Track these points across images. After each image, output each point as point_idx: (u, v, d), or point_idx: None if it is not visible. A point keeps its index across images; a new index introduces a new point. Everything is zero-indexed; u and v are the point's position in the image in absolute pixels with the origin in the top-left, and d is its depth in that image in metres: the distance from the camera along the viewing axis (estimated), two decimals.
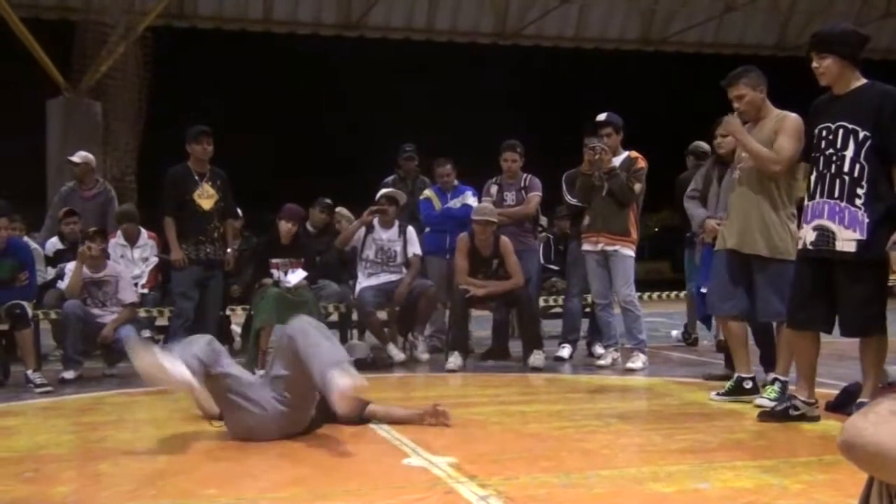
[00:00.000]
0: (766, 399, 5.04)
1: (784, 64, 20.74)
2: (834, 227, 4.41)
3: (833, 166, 4.44)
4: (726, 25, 19.70)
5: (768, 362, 5.68)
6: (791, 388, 4.96)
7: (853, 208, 4.37)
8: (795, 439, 4.37)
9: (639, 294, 7.46)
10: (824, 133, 4.51)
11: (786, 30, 19.93)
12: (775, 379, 5.17)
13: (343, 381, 3.87)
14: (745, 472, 3.57)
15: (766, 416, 4.69)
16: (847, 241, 4.38)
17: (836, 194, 4.42)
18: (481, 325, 9.04)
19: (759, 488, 3.34)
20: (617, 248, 7.06)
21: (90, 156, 9.06)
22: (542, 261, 9.03)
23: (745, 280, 5.28)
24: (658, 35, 19.58)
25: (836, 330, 4.61)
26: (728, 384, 5.48)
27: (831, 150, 4.46)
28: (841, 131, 4.44)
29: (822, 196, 4.48)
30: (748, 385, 5.38)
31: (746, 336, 5.51)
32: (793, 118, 5.09)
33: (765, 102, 5.21)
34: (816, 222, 4.49)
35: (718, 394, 5.45)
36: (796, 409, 4.64)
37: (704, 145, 9.09)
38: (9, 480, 3.62)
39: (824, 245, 4.45)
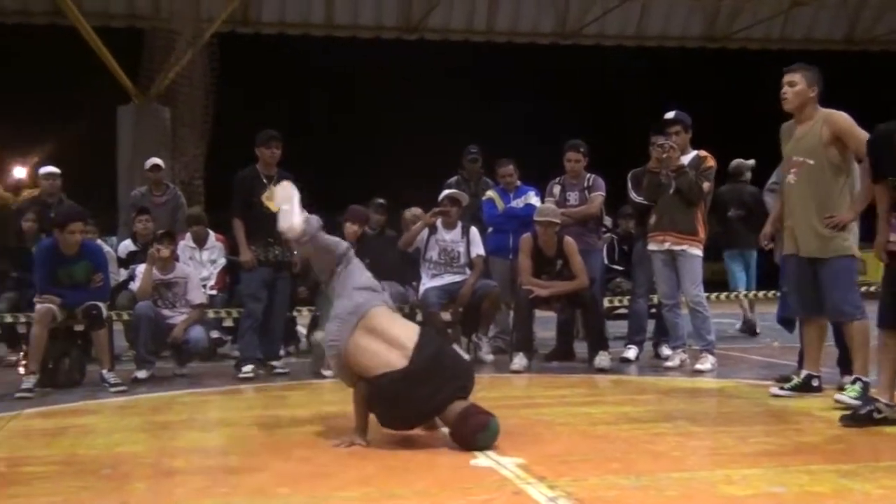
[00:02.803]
0: (847, 396, 4.95)
1: (854, 59, 20.31)
2: None
3: None
4: (793, 21, 19.30)
5: (846, 364, 5.57)
6: (872, 390, 4.84)
7: None
8: (877, 443, 4.24)
9: (706, 294, 7.34)
10: None
11: (855, 24, 19.46)
12: (857, 379, 5.09)
13: None
14: (823, 477, 3.49)
15: (849, 419, 4.53)
16: None
17: None
18: (545, 326, 9.00)
19: (838, 493, 3.26)
20: (684, 247, 6.95)
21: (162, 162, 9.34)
22: (606, 261, 8.97)
23: (812, 282, 5.26)
24: (722, 32, 19.27)
25: None
26: (795, 380, 5.45)
27: None
28: None
29: None
30: (815, 383, 5.38)
31: (824, 337, 5.47)
32: (844, 115, 5.17)
33: (812, 102, 5.24)
34: None
35: (783, 388, 5.45)
36: (879, 412, 4.50)
37: (745, 165, 9.41)
38: (88, 476, 3.72)
39: None
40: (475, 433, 4.04)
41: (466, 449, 4.01)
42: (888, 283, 4.59)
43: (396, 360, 4.17)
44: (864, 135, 4.99)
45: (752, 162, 9.76)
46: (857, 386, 5.02)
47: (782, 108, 5.35)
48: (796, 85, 5.19)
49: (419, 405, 4.13)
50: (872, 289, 9.05)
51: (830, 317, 5.30)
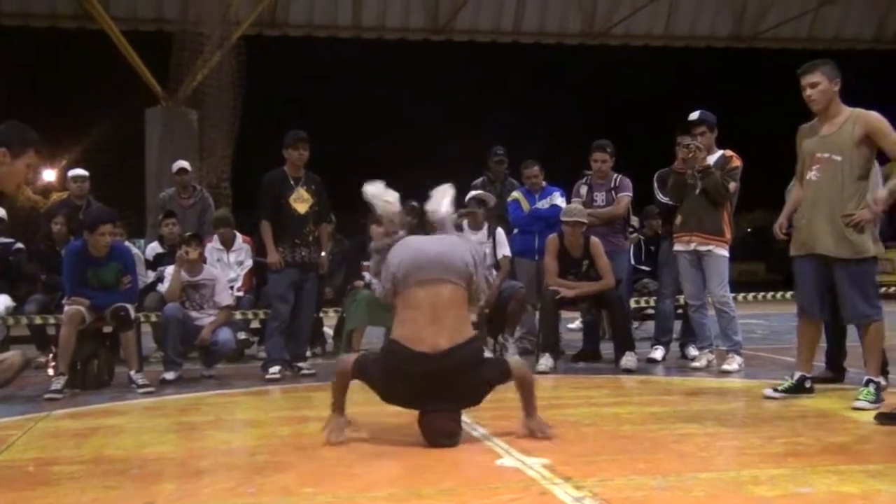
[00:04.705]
0: (865, 402, 4.93)
1: (883, 58, 20.09)
2: None
3: None
4: (822, 19, 19.15)
5: (834, 363, 5.86)
6: None
7: None
8: None
9: (732, 295, 7.28)
10: None
11: (886, 21, 19.26)
12: (869, 381, 5.06)
13: None
14: (851, 477, 3.46)
15: (885, 418, 4.50)
16: None
17: None
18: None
19: (867, 493, 3.23)
20: (710, 247, 6.91)
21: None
22: (632, 262, 8.92)
23: (828, 282, 5.20)
24: (750, 31, 19.14)
25: None
26: (788, 382, 5.43)
27: None
28: None
29: None
30: (808, 385, 5.39)
31: (819, 337, 5.47)
32: (878, 115, 5.06)
33: (836, 98, 5.15)
34: None
35: (776, 390, 5.42)
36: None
37: None
38: (117, 477, 3.76)
39: None
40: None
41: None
42: None
43: (425, 339, 4.14)
44: None
45: None
46: (871, 388, 5.00)
47: (809, 108, 5.26)
48: (818, 84, 5.09)
49: (406, 399, 4.28)
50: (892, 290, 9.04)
51: (849, 320, 5.26)
